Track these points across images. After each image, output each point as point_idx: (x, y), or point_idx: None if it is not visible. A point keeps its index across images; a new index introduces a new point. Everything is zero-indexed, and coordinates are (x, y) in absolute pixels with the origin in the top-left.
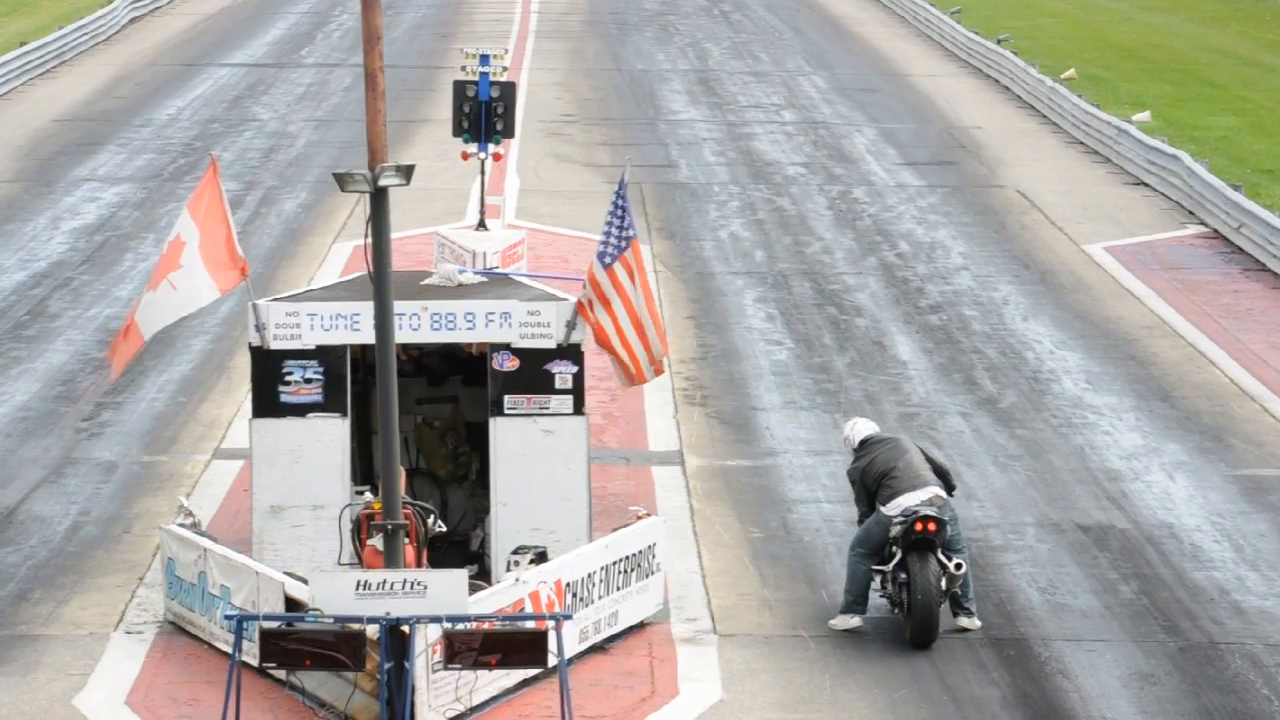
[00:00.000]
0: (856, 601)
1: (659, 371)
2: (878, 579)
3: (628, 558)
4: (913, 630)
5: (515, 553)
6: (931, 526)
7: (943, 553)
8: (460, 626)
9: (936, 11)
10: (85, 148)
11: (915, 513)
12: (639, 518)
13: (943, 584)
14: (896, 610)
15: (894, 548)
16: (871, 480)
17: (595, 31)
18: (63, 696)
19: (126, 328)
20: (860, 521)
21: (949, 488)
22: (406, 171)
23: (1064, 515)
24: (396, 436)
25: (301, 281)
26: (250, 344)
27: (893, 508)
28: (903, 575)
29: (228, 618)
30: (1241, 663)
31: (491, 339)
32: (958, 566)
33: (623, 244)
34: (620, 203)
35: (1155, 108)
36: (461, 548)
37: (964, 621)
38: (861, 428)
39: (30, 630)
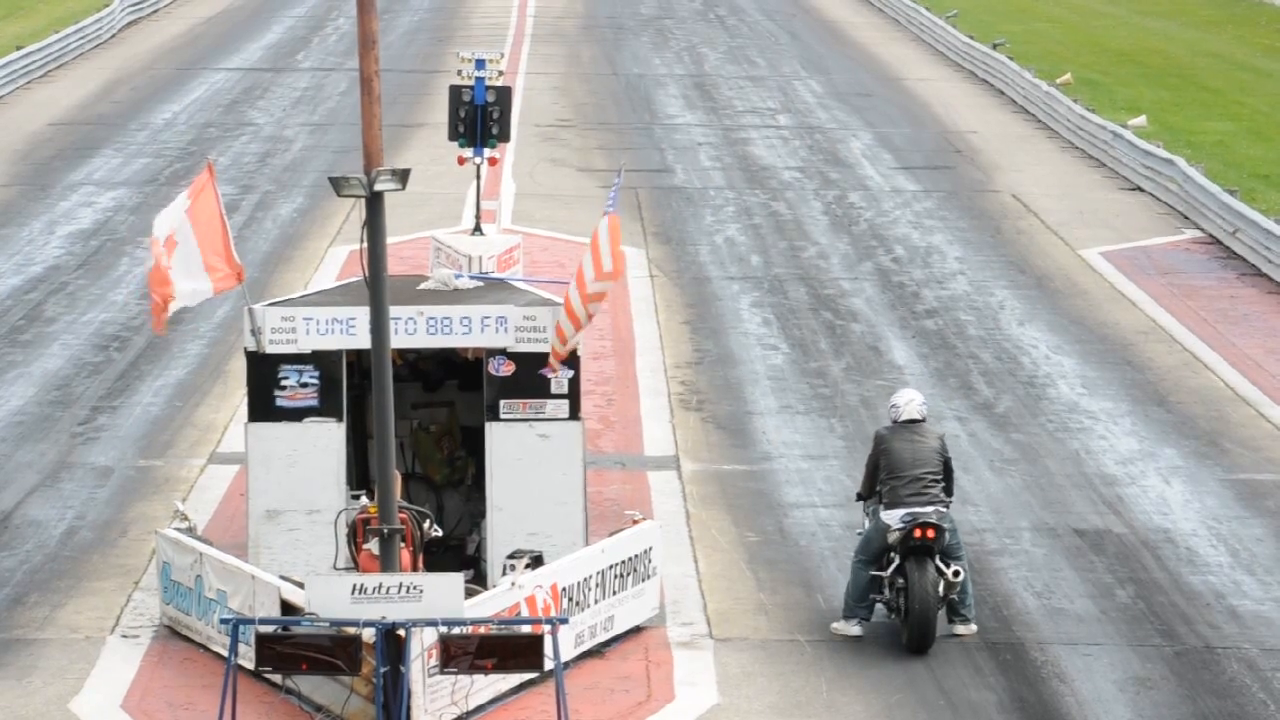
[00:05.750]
0: (858, 606)
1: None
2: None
3: (624, 562)
4: (909, 635)
5: (511, 557)
6: (930, 533)
7: (941, 560)
8: (456, 630)
9: (932, 16)
10: (81, 152)
11: (915, 518)
12: (635, 522)
13: (940, 590)
14: (894, 615)
15: (892, 553)
16: (883, 469)
17: (591, 36)
18: (59, 700)
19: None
20: (861, 495)
21: (949, 493)
22: (402, 176)
23: (1060, 520)
24: (392, 441)
25: (297, 286)
26: (246, 348)
27: (891, 515)
28: (901, 581)
29: (224, 621)
30: (1237, 667)
31: (487, 344)
32: (955, 574)
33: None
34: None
35: (1151, 112)
36: (457, 552)
37: (960, 629)
38: (910, 410)
39: (26, 634)
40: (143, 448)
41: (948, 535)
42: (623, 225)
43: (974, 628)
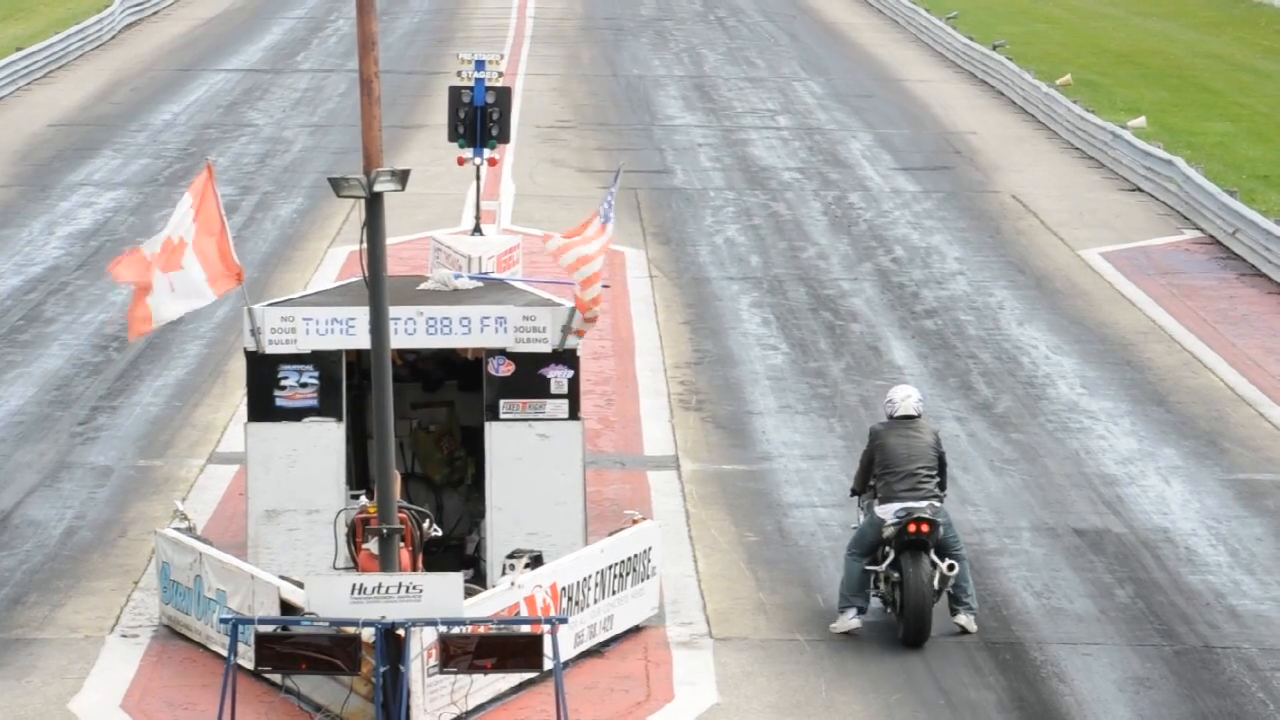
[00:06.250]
0: (854, 596)
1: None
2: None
3: (623, 562)
4: (905, 630)
5: (511, 557)
6: (925, 528)
7: (936, 554)
8: (456, 630)
9: (932, 17)
10: (81, 153)
11: (910, 513)
12: (634, 522)
13: (935, 584)
14: (889, 610)
15: (887, 548)
16: (878, 465)
17: (591, 37)
18: (58, 700)
19: (138, 305)
20: (855, 490)
21: (943, 488)
22: (402, 177)
23: (1059, 519)
24: (392, 441)
25: (297, 286)
26: (245, 349)
27: (885, 510)
28: (896, 575)
29: (223, 621)
30: (1237, 666)
31: (487, 344)
32: (950, 567)
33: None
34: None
35: (1151, 113)
36: (457, 552)
37: (962, 618)
38: (906, 406)
39: (26, 634)
40: (142, 448)
41: (942, 530)
42: (622, 227)
43: (974, 626)
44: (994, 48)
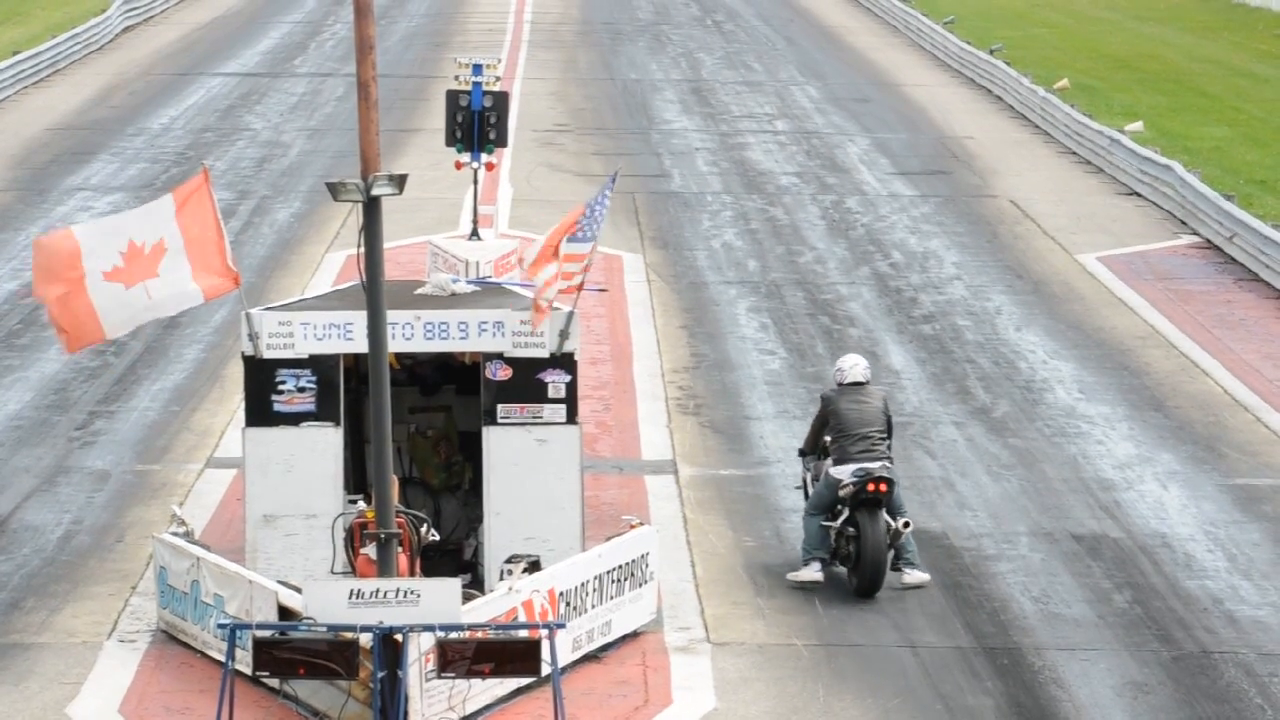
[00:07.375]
0: (816, 550)
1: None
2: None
3: (621, 567)
4: (861, 581)
5: (508, 562)
6: (883, 487)
7: (887, 514)
8: (454, 635)
9: (929, 21)
10: (78, 157)
11: (869, 474)
12: (632, 527)
13: (888, 540)
14: (839, 564)
15: (841, 506)
16: (831, 429)
17: (588, 41)
18: (55, 705)
19: (74, 311)
20: (803, 451)
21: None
22: (399, 181)
23: (1057, 525)
24: (390, 446)
25: (295, 291)
26: (243, 353)
27: (841, 471)
28: (851, 530)
29: (221, 626)
30: (1235, 672)
31: (484, 348)
32: (905, 525)
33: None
34: (600, 205)
35: (1148, 118)
36: (454, 557)
37: (909, 576)
38: (855, 374)
39: (23, 639)
40: (140, 452)
41: (895, 490)
42: (619, 231)
43: (927, 576)
44: (991, 52)
